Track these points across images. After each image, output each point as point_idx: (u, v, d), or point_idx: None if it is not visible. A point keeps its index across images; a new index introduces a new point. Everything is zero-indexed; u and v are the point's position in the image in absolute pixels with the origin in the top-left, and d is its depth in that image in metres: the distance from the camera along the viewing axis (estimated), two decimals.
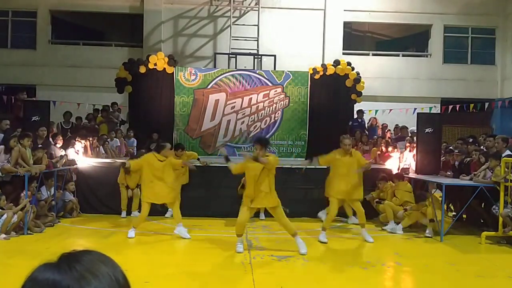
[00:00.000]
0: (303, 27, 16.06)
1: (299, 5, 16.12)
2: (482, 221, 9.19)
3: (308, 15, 16.13)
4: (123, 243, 7.29)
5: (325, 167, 10.26)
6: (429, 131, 9.70)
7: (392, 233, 8.41)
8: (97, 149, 10.91)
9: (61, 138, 10.06)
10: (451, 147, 10.59)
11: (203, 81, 12.80)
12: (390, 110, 14.76)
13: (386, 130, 13.27)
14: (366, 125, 13.50)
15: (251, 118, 12.82)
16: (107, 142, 11.36)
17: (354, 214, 8.75)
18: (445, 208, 9.34)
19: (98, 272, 0.91)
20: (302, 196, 10.11)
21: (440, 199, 8.33)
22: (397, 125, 13.37)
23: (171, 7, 16.09)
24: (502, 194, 7.69)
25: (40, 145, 8.97)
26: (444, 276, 6.02)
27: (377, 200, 9.39)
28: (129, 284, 0.97)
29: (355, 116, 13.35)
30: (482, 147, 9.53)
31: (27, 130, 8.76)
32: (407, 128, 12.64)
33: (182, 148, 9.45)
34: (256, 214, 9.04)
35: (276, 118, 12.87)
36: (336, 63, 13.16)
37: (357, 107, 13.49)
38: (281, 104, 12.83)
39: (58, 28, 16.84)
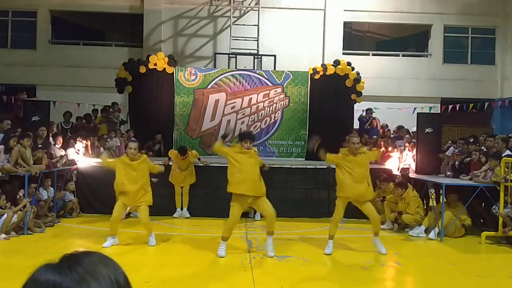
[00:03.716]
0: (303, 27, 16.07)
1: (299, 5, 16.13)
2: (482, 221, 9.19)
3: (308, 15, 16.13)
4: (123, 243, 7.28)
5: (325, 167, 10.30)
6: (429, 131, 9.71)
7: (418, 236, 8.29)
8: (98, 149, 10.91)
9: (61, 138, 10.06)
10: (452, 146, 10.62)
11: (203, 81, 12.80)
12: (390, 109, 14.78)
13: (386, 130, 13.30)
14: (366, 125, 13.52)
15: (251, 118, 12.82)
16: (107, 142, 11.36)
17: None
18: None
19: (99, 274, 0.91)
20: (302, 196, 10.12)
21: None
22: (398, 126, 13.41)
23: (171, 7, 16.09)
24: (502, 194, 7.69)
25: (40, 145, 8.97)
26: (444, 276, 6.02)
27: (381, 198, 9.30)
28: (130, 286, 0.97)
29: (363, 113, 13.71)
30: (482, 147, 9.53)
31: (27, 130, 8.76)
32: (404, 128, 12.69)
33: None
34: (245, 215, 9.08)
35: (276, 118, 12.86)
36: (336, 63, 13.16)
37: (357, 107, 13.51)
38: (281, 104, 12.83)
39: (58, 28, 16.85)
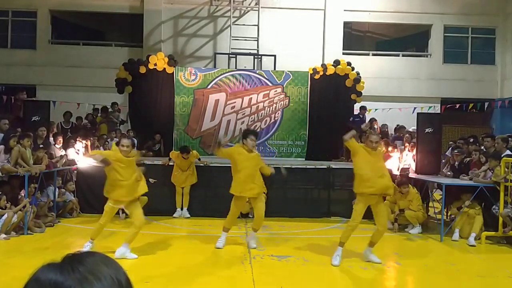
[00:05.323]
0: (303, 27, 16.06)
1: (299, 5, 16.13)
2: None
3: (308, 15, 16.13)
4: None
5: (325, 167, 10.30)
6: (429, 131, 9.71)
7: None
8: (98, 149, 10.91)
9: (61, 138, 10.07)
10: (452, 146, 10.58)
11: (203, 81, 12.80)
12: (390, 109, 14.78)
13: (386, 129, 13.27)
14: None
15: (251, 118, 12.82)
16: (107, 142, 11.37)
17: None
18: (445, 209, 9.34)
19: (101, 274, 0.91)
20: (302, 196, 10.12)
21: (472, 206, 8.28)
22: (397, 125, 13.40)
23: (171, 7, 16.09)
24: (502, 194, 7.70)
25: (40, 145, 8.98)
26: (444, 276, 6.02)
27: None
28: (131, 286, 0.97)
29: (356, 112, 13.47)
30: (482, 147, 9.53)
31: (27, 130, 8.76)
32: (404, 128, 12.66)
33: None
34: (245, 215, 9.14)
35: (276, 118, 12.86)
36: (336, 63, 13.16)
37: (357, 107, 13.50)
38: (281, 104, 12.83)
39: (58, 28, 16.85)
